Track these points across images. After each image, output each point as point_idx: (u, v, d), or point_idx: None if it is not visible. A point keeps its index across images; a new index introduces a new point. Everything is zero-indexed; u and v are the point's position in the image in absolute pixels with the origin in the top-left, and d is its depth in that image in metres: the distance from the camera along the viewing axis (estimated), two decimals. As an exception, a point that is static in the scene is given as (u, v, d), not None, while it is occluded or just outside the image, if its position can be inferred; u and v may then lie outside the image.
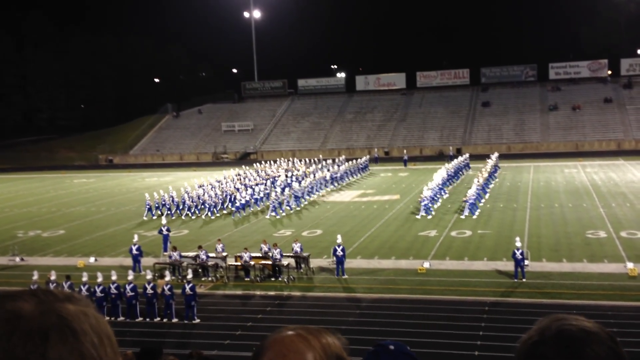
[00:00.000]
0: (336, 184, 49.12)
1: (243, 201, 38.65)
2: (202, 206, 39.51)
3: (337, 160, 57.02)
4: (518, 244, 23.54)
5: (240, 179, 48.82)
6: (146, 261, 27.22)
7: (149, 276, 22.03)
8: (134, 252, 27.04)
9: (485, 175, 44.33)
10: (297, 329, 1.53)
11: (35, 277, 22.64)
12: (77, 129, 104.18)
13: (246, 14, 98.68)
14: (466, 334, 18.21)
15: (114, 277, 22.07)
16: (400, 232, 32.09)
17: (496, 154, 56.39)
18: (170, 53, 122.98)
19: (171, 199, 39.99)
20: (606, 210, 35.02)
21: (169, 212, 39.24)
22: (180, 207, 39.91)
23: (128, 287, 21.47)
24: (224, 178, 48.84)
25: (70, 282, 22.20)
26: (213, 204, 39.12)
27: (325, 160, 58.25)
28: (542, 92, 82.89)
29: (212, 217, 38.28)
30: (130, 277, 22.16)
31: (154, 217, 38.76)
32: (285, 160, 59.02)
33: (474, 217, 34.73)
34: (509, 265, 24.06)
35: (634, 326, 18.45)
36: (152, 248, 30.49)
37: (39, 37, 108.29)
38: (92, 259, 28.96)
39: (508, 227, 32.04)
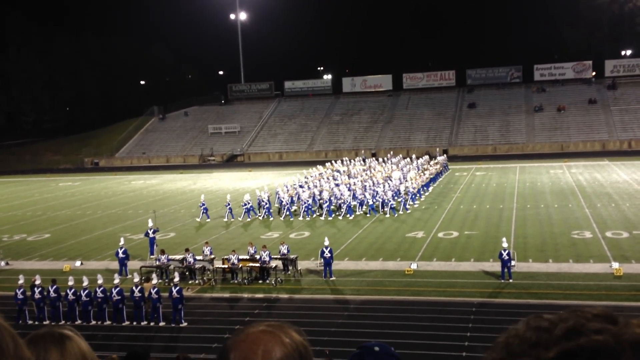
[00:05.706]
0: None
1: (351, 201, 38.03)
2: (301, 207, 38.53)
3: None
4: (504, 245, 23.67)
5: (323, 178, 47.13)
6: (133, 264, 27.09)
7: (136, 279, 21.91)
8: (121, 255, 26.86)
9: (381, 178, 44.17)
10: (260, 325, 1.54)
11: (21, 281, 22.44)
12: (62, 131, 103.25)
13: (232, 16, 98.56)
14: (454, 335, 18.27)
15: (100, 281, 21.91)
16: (388, 234, 32.15)
17: (399, 157, 56.17)
18: (155, 54, 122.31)
19: (268, 199, 38.83)
20: (591, 210, 35.29)
21: (267, 212, 38.24)
22: (275, 208, 38.95)
23: (114, 291, 21.31)
24: (309, 178, 46.79)
25: (56, 286, 22.01)
26: (308, 204, 38.21)
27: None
28: (527, 94, 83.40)
29: (308, 218, 37.26)
30: (116, 281, 21.98)
31: (250, 219, 37.83)
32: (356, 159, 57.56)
33: (350, 218, 36.45)
34: (496, 266, 24.17)
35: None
36: (139, 251, 30.36)
37: (21, 38, 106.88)
38: (78, 263, 28.77)
39: (494, 228, 32.20)
